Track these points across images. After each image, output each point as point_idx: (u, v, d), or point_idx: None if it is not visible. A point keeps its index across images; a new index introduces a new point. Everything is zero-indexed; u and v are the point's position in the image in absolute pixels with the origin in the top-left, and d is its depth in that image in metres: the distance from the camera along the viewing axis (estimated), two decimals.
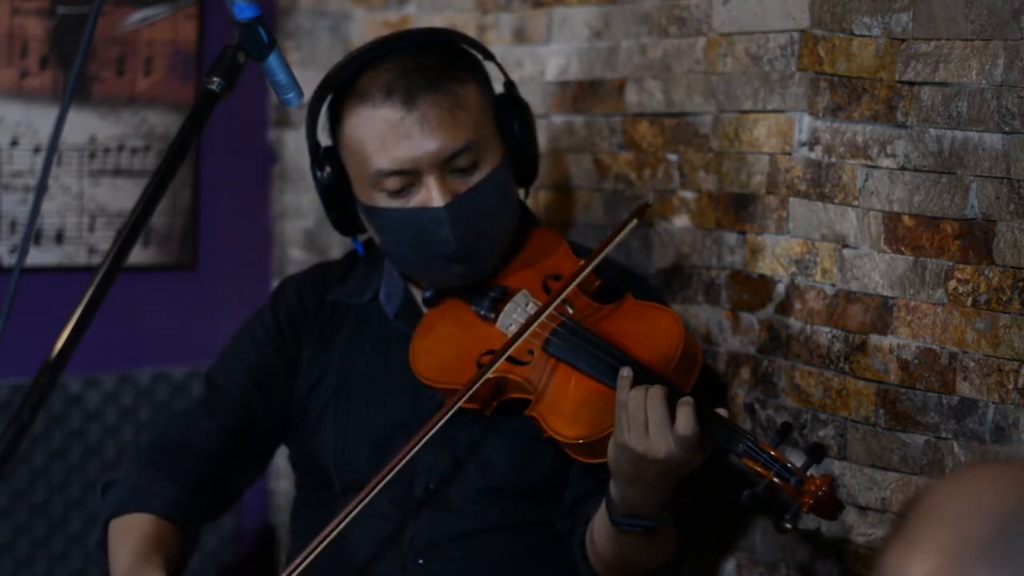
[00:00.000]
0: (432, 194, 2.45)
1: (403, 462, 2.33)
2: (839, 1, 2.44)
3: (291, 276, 2.77)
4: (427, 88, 2.46)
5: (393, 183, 2.47)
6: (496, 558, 2.49)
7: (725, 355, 2.67)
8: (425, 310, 2.57)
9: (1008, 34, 2.19)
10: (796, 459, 2.25)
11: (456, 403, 2.35)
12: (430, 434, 2.33)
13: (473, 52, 2.57)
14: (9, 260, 3.20)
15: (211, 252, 3.45)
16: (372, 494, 2.32)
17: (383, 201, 2.48)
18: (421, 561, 2.47)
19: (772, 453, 2.24)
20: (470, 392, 2.36)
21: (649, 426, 2.24)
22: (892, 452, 2.37)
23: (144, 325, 3.38)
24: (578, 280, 2.44)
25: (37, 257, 3.22)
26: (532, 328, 2.41)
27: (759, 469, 2.24)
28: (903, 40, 2.34)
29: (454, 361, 2.48)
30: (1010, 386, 2.20)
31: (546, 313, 2.42)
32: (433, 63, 2.49)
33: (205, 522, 2.58)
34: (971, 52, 2.24)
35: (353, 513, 2.32)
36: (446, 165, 2.46)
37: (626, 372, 2.28)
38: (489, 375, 2.39)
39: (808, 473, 2.23)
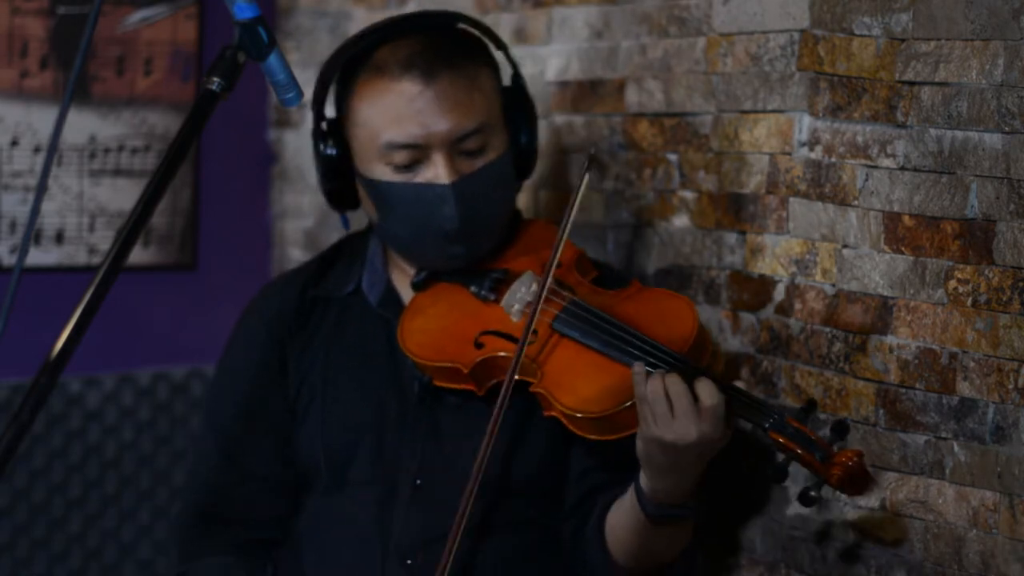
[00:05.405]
0: (439, 171, 2.46)
1: (485, 458, 2.30)
2: (839, 1, 2.44)
3: (266, 285, 2.73)
4: (447, 66, 2.47)
5: (401, 157, 2.47)
6: (486, 559, 2.46)
7: (725, 355, 2.66)
8: (407, 300, 2.55)
9: (1008, 34, 2.19)
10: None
11: (507, 389, 2.32)
12: (499, 421, 2.30)
13: (486, 40, 2.58)
14: (9, 260, 3.21)
15: (211, 252, 3.45)
16: (471, 499, 2.29)
17: (388, 175, 2.49)
18: (409, 562, 2.45)
19: (798, 427, 2.23)
20: (514, 372, 2.33)
21: (675, 412, 2.23)
22: (892, 452, 2.37)
23: (144, 325, 3.39)
24: (566, 234, 2.42)
25: (37, 257, 3.23)
26: (540, 304, 2.39)
27: (785, 442, 2.23)
28: (903, 40, 2.34)
29: (449, 340, 2.46)
30: (1010, 386, 2.20)
31: (551, 271, 2.40)
32: (452, 42, 2.51)
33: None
34: (971, 52, 2.24)
35: (464, 519, 2.29)
36: (456, 145, 2.47)
37: (639, 368, 2.27)
38: (491, 354, 2.37)
39: (835, 448, 2.23)
